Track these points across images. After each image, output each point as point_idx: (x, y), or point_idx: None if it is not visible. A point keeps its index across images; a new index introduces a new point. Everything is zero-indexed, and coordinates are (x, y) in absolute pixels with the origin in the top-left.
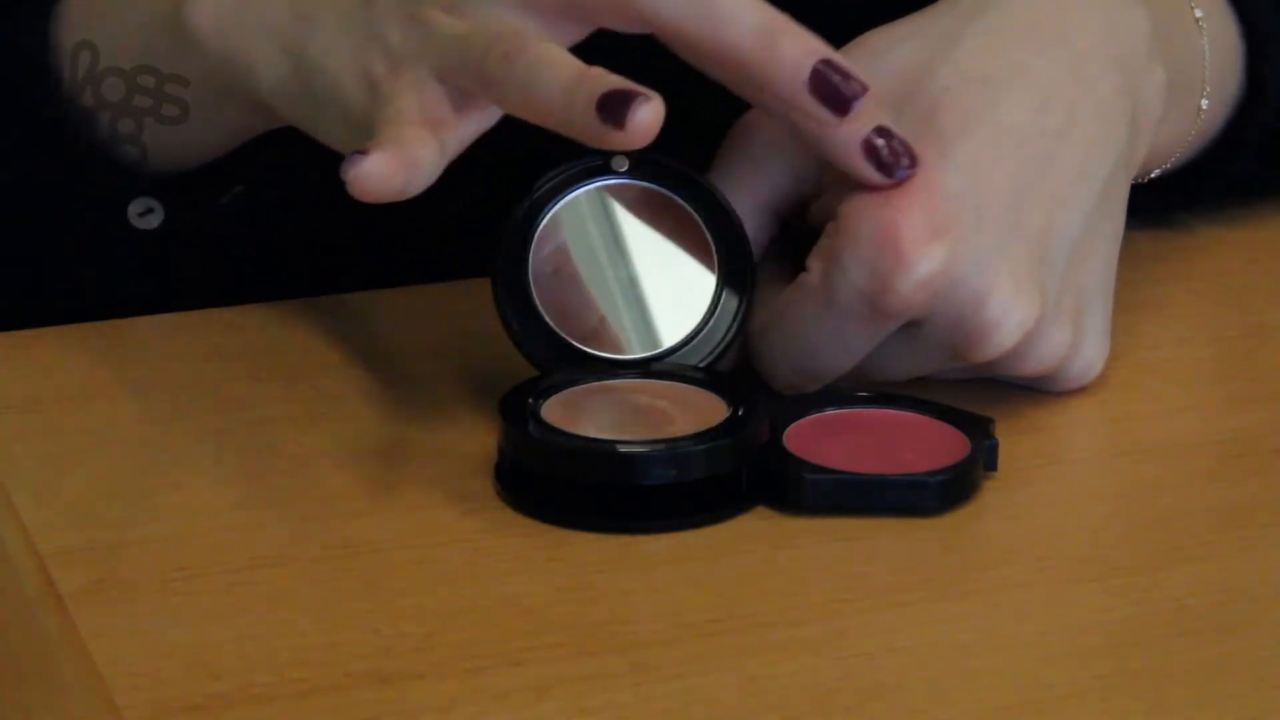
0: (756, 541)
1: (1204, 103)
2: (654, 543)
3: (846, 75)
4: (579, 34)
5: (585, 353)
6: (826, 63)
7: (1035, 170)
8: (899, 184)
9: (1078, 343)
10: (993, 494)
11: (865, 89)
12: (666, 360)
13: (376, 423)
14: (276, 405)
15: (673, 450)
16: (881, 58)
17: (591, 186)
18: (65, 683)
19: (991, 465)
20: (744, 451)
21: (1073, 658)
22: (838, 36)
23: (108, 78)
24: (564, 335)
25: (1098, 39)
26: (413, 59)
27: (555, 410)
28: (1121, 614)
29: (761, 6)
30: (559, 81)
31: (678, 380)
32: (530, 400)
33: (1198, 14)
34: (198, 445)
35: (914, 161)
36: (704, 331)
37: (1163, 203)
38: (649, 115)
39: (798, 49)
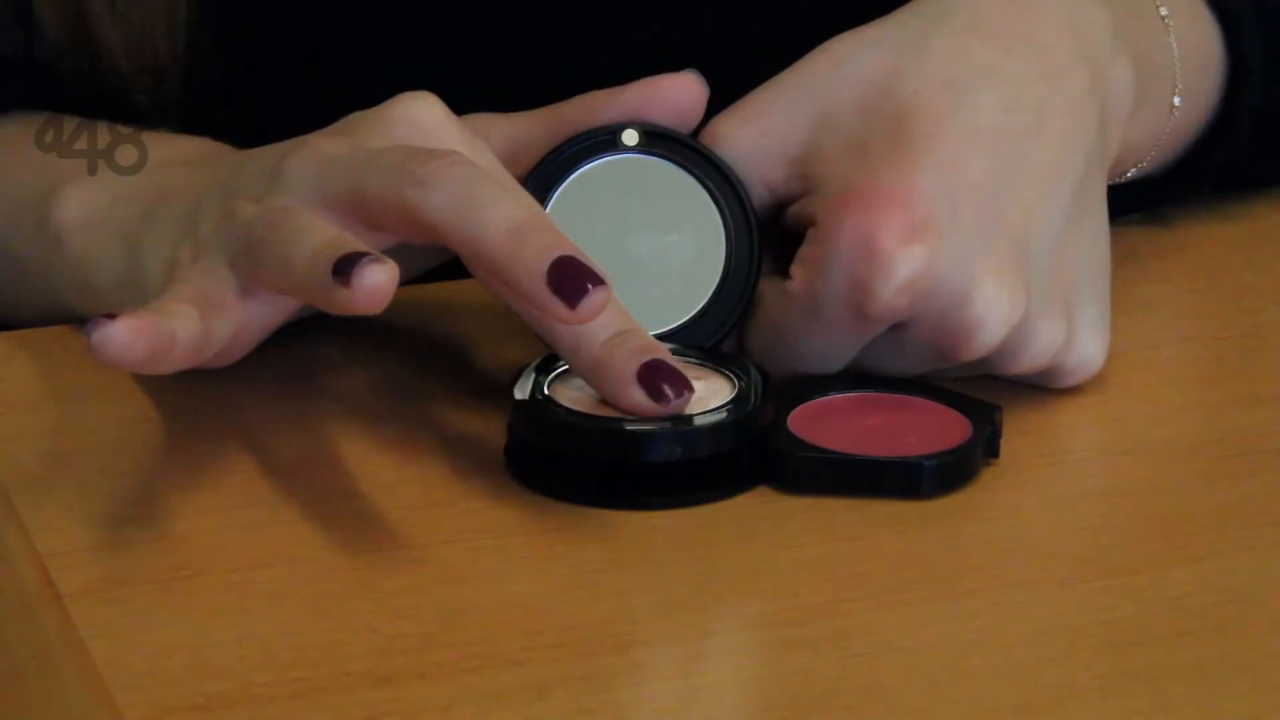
0: (757, 541)
1: (1177, 100)
2: (656, 534)
3: (582, 268)
4: (378, 241)
5: None
6: (564, 258)
7: (1009, 170)
8: (880, 185)
9: (1071, 338)
10: (992, 493)
11: (600, 281)
12: (674, 338)
13: (376, 422)
14: (275, 405)
15: (678, 428)
16: (847, 63)
17: (600, 161)
18: (65, 683)
19: (992, 452)
20: (747, 431)
21: (1073, 658)
22: (805, 42)
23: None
24: None
25: (1062, 37)
26: (211, 247)
27: (564, 389)
28: (1121, 614)
29: (517, 207)
30: (309, 247)
31: (685, 359)
32: (539, 378)
33: (1163, 12)
34: (198, 445)
35: (691, 391)
36: (712, 308)
37: (1161, 197)
38: (376, 277)
39: (540, 243)
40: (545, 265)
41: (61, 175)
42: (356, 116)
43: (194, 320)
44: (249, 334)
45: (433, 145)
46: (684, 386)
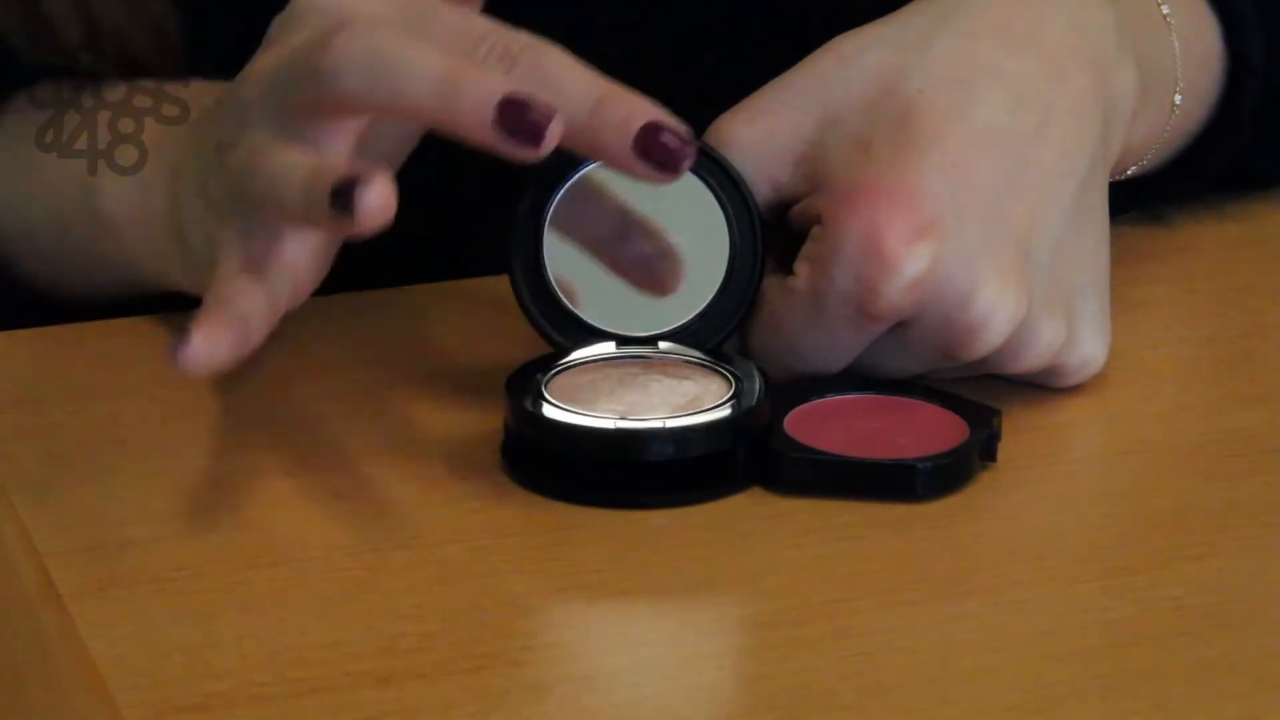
0: (757, 541)
1: (1177, 98)
2: (655, 534)
3: (529, 104)
4: (336, 132)
5: (601, 331)
6: (509, 100)
7: (1013, 170)
8: (885, 184)
9: (1072, 338)
10: (992, 493)
11: (553, 111)
12: (678, 337)
13: (376, 423)
14: (276, 405)
15: (671, 428)
16: (853, 62)
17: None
18: (65, 683)
19: (989, 456)
20: (741, 431)
21: (1073, 658)
22: (807, 41)
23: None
24: (579, 314)
25: (1066, 38)
26: (228, 212)
27: (562, 388)
28: (1121, 614)
29: (437, 58)
30: (296, 182)
31: (685, 359)
32: (537, 377)
33: (1165, 10)
34: (198, 445)
35: (693, 146)
36: (716, 307)
37: (1163, 195)
38: (374, 198)
39: (478, 92)
40: (491, 113)
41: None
42: (275, 20)
43: (252, 289)
44: (305, 269)
45: (341, 19)
46: (685, 143)
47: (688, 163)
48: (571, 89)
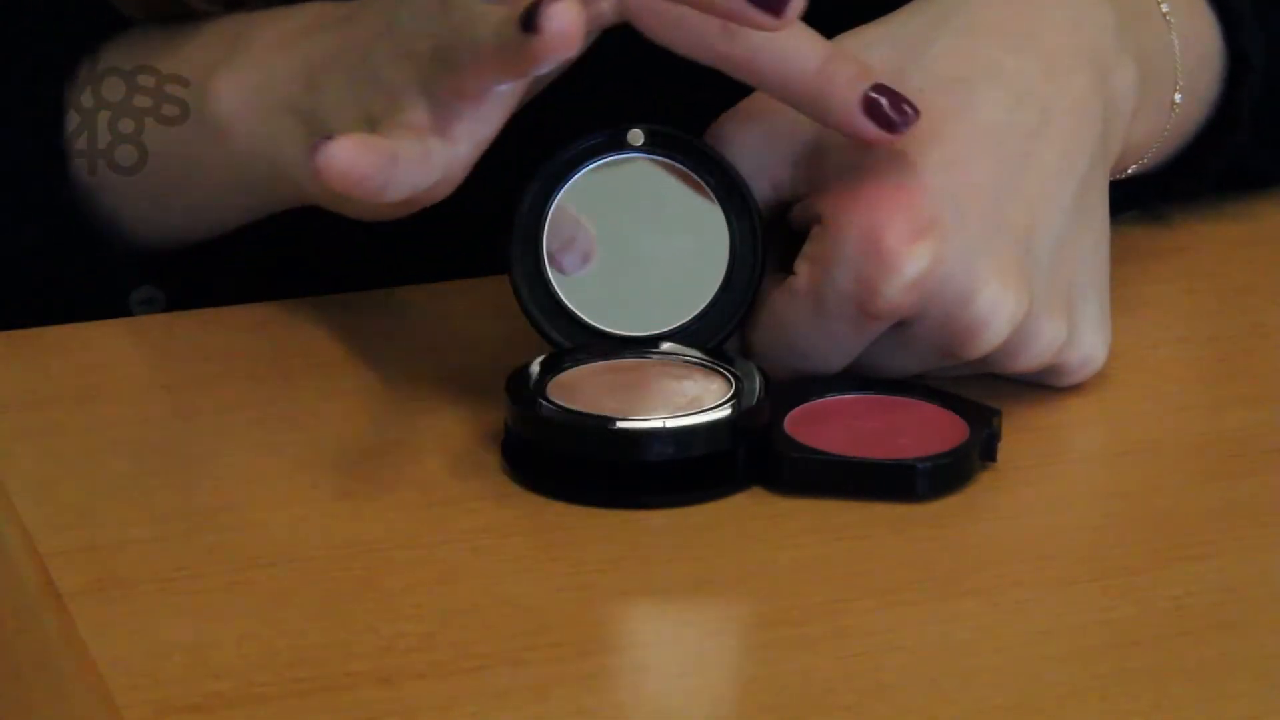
0: (756, 541)
1: (1177, 97)
2: (655, 534)
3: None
4: None
5: (601, 331)
6: None
7: (1014, 169)
8: (886, 184)
9: (1073, 336)
10: (992, 493)
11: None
12: (676, 338)
13: (376, 423)
14: (276, 405)
15: (671, 428)
16: None
17: (606, 160)
18: (65, 682)
19: (989, 456)
20: (741, 431)
21: (1073, 658)
22: None
23: (108, 77)
24: (580, 314)
25: (1066, 36)
26: (404, 87)
27: (562, 388)
28: (1121, 614)
29: None
30: (492, 26)
31: (685, 359)
32: (537, 377)
33: (1165, 9)
34: (198, 445)
35: (916, 112)
36: (716, 307)
37: (1164, 194)
38: (563, 16)
39: None
40: None
41: (199, 71)
42: None
43: (412, 140)
44: (464, 151)
45: None
46: (909, 108)
47: (907, 129)
48: (800, 45)
